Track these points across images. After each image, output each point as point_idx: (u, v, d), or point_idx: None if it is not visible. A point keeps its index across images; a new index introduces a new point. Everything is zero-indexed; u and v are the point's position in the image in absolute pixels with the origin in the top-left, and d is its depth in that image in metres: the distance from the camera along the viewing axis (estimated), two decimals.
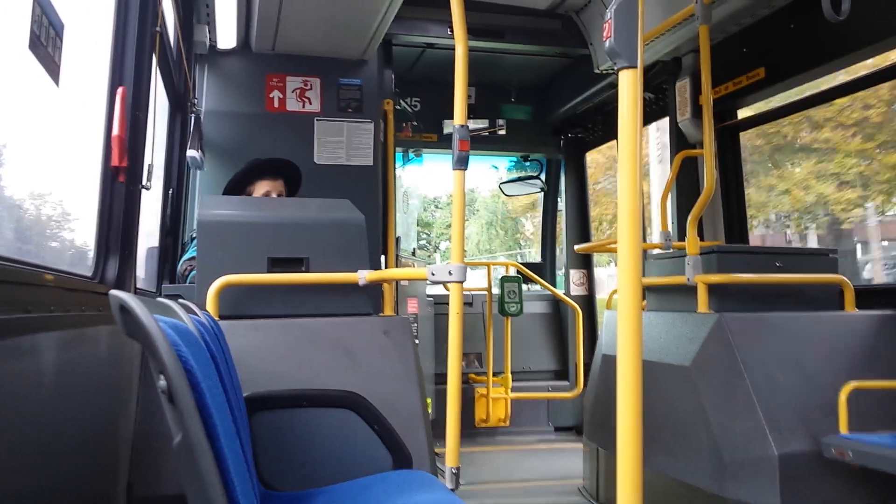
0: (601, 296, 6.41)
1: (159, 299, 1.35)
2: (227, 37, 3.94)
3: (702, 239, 3.84)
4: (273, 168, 3.35)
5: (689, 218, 3.37)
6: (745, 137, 4.66)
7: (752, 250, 3.62)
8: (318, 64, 4.11)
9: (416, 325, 4.80)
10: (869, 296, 3.37)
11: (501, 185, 6.94)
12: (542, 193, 6.79)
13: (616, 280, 1.68)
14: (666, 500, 3.17)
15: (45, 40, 1.49)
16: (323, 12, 3.56)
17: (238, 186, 3.31)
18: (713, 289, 3.22)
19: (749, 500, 2.77)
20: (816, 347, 3.02)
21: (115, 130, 2.15)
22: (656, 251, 4.01)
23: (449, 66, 2.51)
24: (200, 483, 0.73)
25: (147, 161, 2.51)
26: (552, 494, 4.17)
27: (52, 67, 1.56)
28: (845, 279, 3.29)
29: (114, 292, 0.83)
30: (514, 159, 6.89)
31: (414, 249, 7.52)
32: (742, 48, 4.18)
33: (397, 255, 4.64)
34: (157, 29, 2.51)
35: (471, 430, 5.38)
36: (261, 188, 3.30)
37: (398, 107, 5.57)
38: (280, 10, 3.49)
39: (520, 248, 23.23)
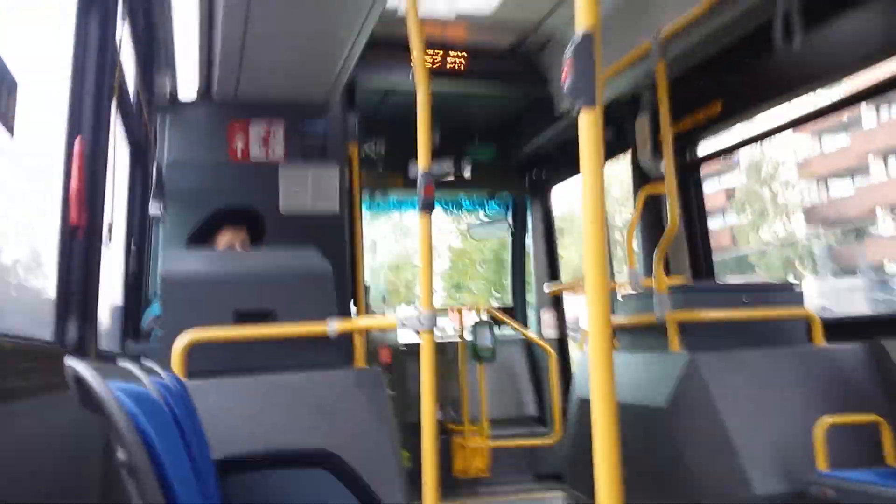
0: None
1: (120, 363, 1.26)
2: (188, 86, 3.88)
3: (668, 276, 3.82)
4: (236, 217, 3.28)
5: (655, 255, 3.36)
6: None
7: (719, 287, 3.62)
8: (280, 110, 4.06)
9: (389, 374, 4.69)
10: (836, 328, 3.38)
11: (471, 230, 6.88)
12: (511, 235, 6.74)
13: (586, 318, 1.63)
14: None
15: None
16: (284, 59, 3.54)
17: (201, 237, 3.23)
18: (683, 326, 3.20)
19: None
20: (789, 383, 3.01)
21: (73, 185, 2.05)
22: (624, 290, 3.98)
23: (413, 108, 2.51)
24: None
25: (108, 217, 2.43)
26: None
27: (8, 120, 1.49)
28: (813, 313, 3.30)
29: (68, 362, 0.75)
30: (479, 201, 6.84)
31: (383, 297, 7.44)
32: (699, 82, 4.21)
33: (367, 304, 4.54)
34: (116, 79, 2.44)
35: (451, 482, 5.22)
36: (224, 238, 3.22)
37: (363, 151, 5.50)
38: (241, 58, 3.46)
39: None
